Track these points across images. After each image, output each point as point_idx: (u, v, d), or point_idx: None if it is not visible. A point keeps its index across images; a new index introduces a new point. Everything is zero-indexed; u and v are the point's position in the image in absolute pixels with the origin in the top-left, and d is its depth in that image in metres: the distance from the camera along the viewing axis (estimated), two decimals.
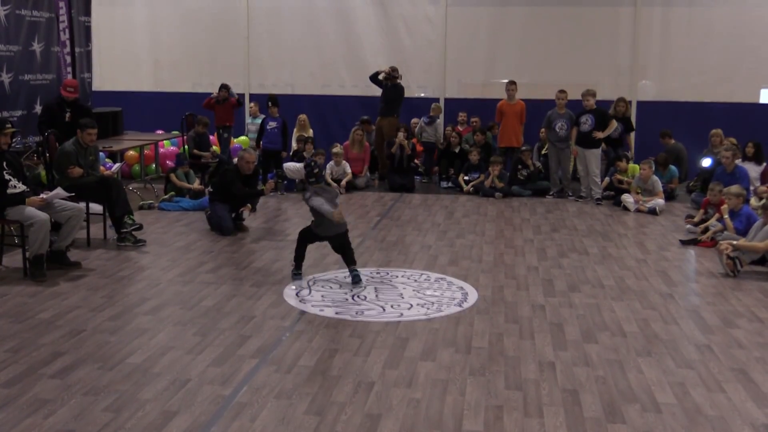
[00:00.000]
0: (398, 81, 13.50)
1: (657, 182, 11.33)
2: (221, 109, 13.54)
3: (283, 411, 4.54)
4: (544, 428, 4.39)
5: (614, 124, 12.03)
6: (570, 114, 12.22)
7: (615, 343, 5.76)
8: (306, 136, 13.65)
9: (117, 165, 9.87)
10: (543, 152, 13.50)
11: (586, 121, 11.88)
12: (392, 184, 12.88)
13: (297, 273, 7.41)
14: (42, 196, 7.41)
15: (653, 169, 11.41)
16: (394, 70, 13.40)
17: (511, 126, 13.03)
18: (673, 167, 12.23)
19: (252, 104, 14.84)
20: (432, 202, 11.77)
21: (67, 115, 10.32)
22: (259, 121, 14.28)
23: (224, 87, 13.72)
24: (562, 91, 12.41)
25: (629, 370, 5.25)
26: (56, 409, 4.50)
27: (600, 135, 11.89)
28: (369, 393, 4.80)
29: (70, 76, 12.31)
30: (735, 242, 7.83)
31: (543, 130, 13.42)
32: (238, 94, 14.11)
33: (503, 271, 7.79)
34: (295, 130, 14.18)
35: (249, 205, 9.50)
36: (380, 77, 13.45)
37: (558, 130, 12.25)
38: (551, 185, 12.48)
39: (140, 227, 8.71)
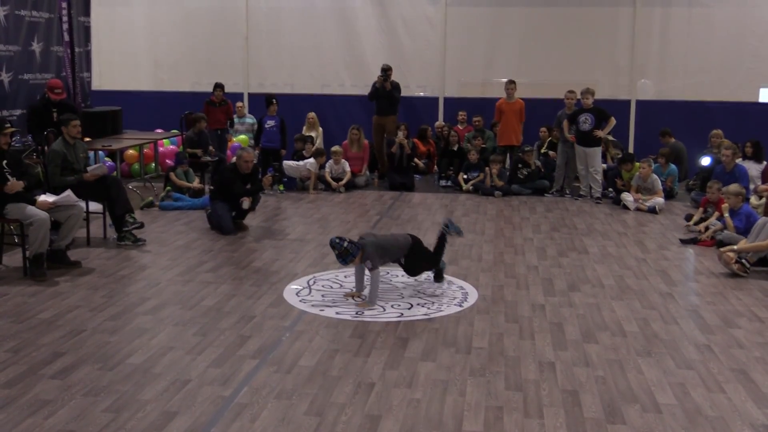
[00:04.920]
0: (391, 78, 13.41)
1: (657, 181, 11.33)
2: (217, 111, 13.49)
3: (283, 411, 4.54)
4: (544, 429, 4.39)
5: (613, 121, 11.99)
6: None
7: (615, 343, 5.76)
8: (306, 135, 13.65)
9: (97, 165, 9.41)
10: (542, 151, 13.51)
11: (586, 120, 11.87)
12: (392, 183, 12.88)
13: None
14: (53, 199, 7.42)
15: (652, 167, 11.41)
16: (387, 69, 13.26)
17: (511, 125, 13.03)
18: (672, 165, 12.24)
19: (239, 104, 14.78)
20: (431, 201, 11.77)
21: (54, 115, 10.29)
22: (250, 121, 14.31)
23: (219, 86, 13.69)
24: (570, 92, 12.40)
25: (629, 370, 5.26)
26: (56, 409, 4.50)
27: (601, 134, 11.88)
28: (369, 393, 4.80)
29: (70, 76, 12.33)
30: (736, 247, 7.83)
31: (544, 129, 13.45)
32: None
33: (503, 271, 7.79)
34: (304, 128, 14.18)
35: (248, 197, 9.37)
36: (377, 85, 13.31)
37: (563, 127, 12.23)
38: (555, 183, 12.45)
39: (141, 225, 8.71)
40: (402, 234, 7.07)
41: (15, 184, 7.23)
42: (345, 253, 6.44)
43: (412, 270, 7.01)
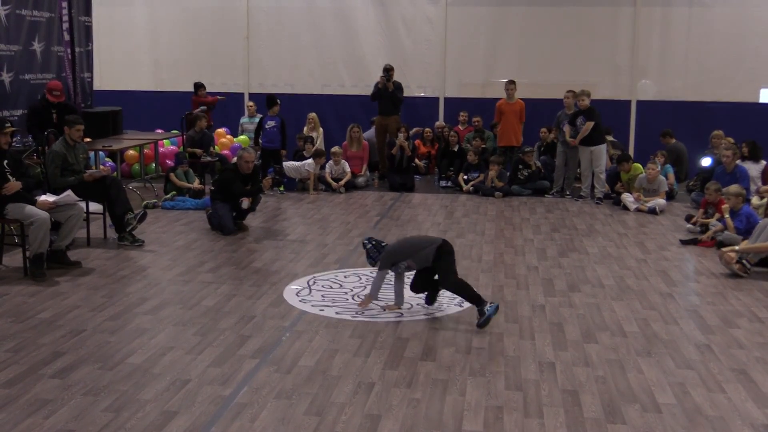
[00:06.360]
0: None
1: (663, 182, 11.31)
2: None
3: (283, 411, 4.54)
4: (544, 429, 4.39)
5: (590, 125, 11.82)
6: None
7: (615, 343, 5.76)
8: (306, 135, 13.65)
9: (96, 170, 9.05)
10: (542, 151, 13.50)
11: (583, 123, 11.84)
12: (392, 184, 12.88)
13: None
14: (53, 199, 7.42)
15: (659, 169, 11.40)
16: (389, 69, 13.23)
17: (511, 125, 13.03)
18: (668, 165, 12.20)
19: (250, 103, 14.85)
20: (432, 202, 11.77)
21: (54, 116, 10.29)
22: (256, 120, 14.30)
23: (201, 86, 13.68)
24: (569, 92, 12.38)
25: (629, 370, 5.26)
26: (56, 409, 4.50)
27: (574, 142, 11.84)
28: (369, 393, 4.81)
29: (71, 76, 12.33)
30: (738, 247, 7.82)
31: (544, 130, 13.43)
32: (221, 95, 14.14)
33: (503, 271, 7.79)
34: (305, 128, 14.17)
35: (248, 197, 9.36)
36: (380, 85, 13.29)
37: (564, 130, 12.21)
38: (554, 184, 12.44)
39: (144, 214, 8.70)
40: (430, 244, 6.37)
41: (13, 185, 7.23)
42: (367, 254, 6.51)
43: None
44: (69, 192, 7.60)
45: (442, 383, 4.98)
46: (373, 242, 6.53)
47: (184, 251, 8.39)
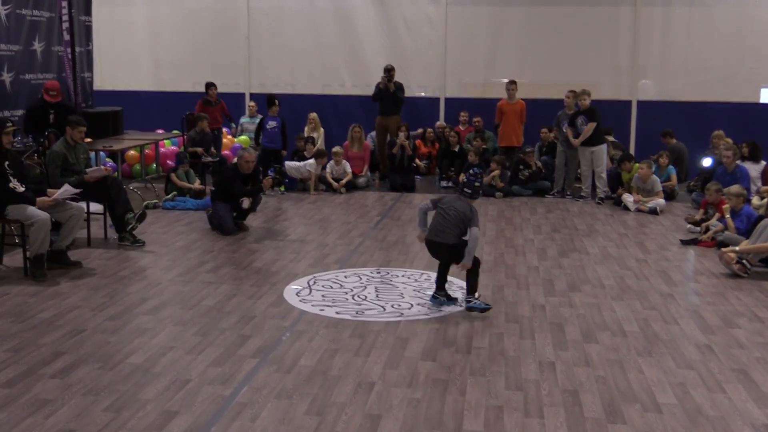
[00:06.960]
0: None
1: (656, 182, 11.31)
2: (214, 110, 13.50)
3: (283, 411, 4.54)
4: (545, 428, 4.39)
5: (592, 126, 11.84)
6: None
7: (615, 343, 5.76)
8: (306, 135, 13.64)
9: (96, 168, 9.14)
10: (544, 151, 13.49)
11: (584, 123, 11.84)
12: (393, 184, 12.87)
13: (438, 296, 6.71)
14: (53, 196, 7.42)
15: (652, 169, 11.39)
16: (390, 69, 13.24)
17: (511, 125, 13.04)
18: (670, 166, 12.20)
19: (251, 103, 14.88)
20: None
21: (51, 116, 10.29)
22: (256, 120, 14.30)
23: (213, 85, 13.71)
24: (570, 91, 12.36)
25: (629, 370, 5.25)
26: (57, 409, 4.50)
27: (576, 142, 11.85)
28: (369, 393, 4.81)
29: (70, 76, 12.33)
30: (738, 248, 7.82)
31: (545, 130, 13.43)
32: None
33: (504, 271, 7.79)
34: (306, 129, 14.17)
35: (249, 197, 9.36)
36: (381, 85, 13.30)
37: (565, 131, 12.21)
38: (555, 184, 12.43)
39: (143, 214, 8.70)
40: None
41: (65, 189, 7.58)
42: (470, 187, 6.84)
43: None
44: (66, 186, 7.59)
45: (443, 383, 4.98)
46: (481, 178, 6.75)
47: (185, 251, 8.39)
